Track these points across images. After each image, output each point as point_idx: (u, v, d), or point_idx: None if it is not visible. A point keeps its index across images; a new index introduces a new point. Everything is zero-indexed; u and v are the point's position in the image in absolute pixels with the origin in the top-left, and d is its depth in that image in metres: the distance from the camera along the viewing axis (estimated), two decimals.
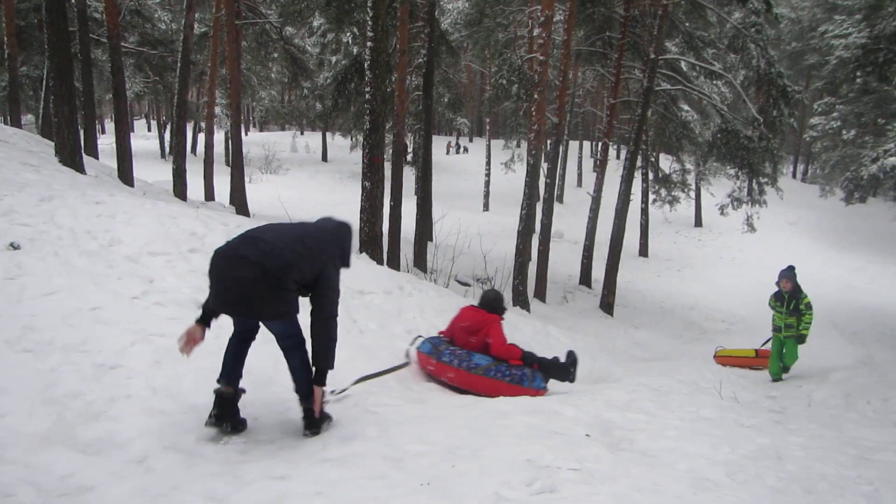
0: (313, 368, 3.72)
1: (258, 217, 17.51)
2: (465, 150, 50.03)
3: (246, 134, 40.67)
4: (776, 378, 8.15)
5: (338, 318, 3.73)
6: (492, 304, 5.95)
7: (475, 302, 6.34)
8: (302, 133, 50.79)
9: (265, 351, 4.02)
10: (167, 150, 39.56)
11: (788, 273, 8.00)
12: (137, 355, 4.21)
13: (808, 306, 7.78)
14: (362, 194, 8.87)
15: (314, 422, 3.80)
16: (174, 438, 3.53)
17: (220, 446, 3.59)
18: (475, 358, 5.51)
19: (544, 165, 20.31)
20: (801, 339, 7.91)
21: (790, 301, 7.88)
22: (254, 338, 3.85)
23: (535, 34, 19.19)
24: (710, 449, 3.60)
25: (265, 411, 4.10)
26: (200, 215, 7.21)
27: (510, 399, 4.83)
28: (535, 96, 12.77)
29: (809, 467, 3.53)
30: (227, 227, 7.12)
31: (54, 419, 3.44)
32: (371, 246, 8.81)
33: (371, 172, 8.79)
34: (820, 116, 23.69)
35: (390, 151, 15.33)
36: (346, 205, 31.11)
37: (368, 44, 8.48)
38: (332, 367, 3.74)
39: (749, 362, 9.77)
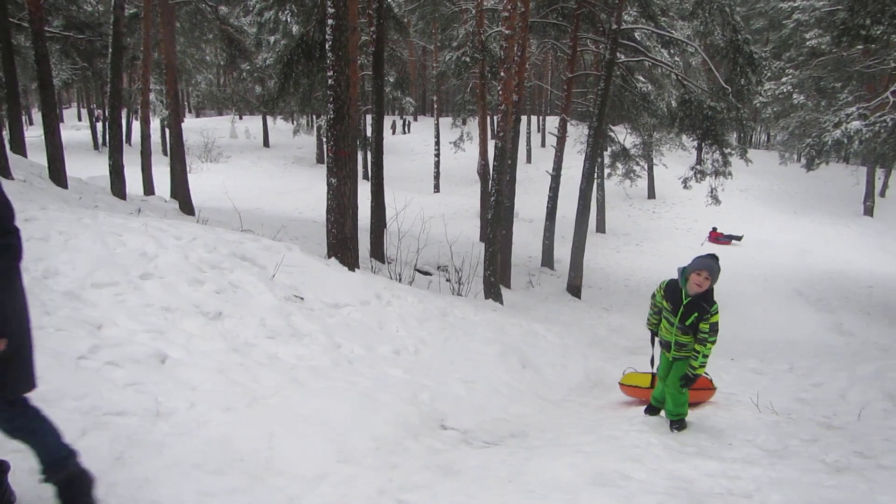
0: None
1: (203, 211, 16.37)
2: (409, 128, 49.06)
3: (182, 120, 38.84)
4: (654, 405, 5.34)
5: None
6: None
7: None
8: (241, 118, 48.87)
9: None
10: (100, 140, 37.54)
11: (708, 265, 4.58)
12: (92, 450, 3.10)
13: (714, 329, 4.59)
14: (328, 192, 7.96)
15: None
16: None
17: None
18: None
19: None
20: (688, 380, 4.75)
21: (690, 310, 4.65)
22: None
23: (491, 6, 18.43)
24: None
25: None
26: (149, 229, 6.26)
27: (571, 464, 4.00)
28: (502, 73, 11.98)
29: None
30: (181, 242, 6.22)
31: None
32: (341, 249, 7.93)
33: (337, 167, 7.87)
34: (770, 81, 23.56)
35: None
36: (291, 192, 30.03)
37: (329, 21, 7.51)
38: None
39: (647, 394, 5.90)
